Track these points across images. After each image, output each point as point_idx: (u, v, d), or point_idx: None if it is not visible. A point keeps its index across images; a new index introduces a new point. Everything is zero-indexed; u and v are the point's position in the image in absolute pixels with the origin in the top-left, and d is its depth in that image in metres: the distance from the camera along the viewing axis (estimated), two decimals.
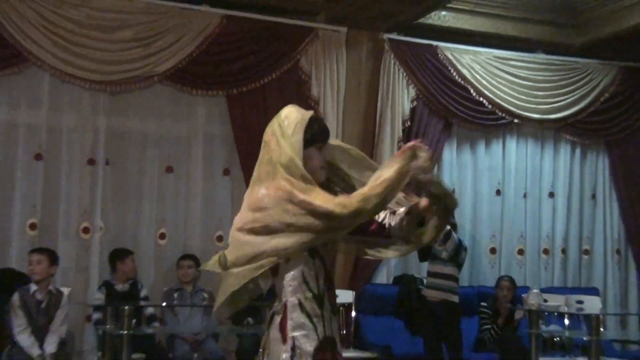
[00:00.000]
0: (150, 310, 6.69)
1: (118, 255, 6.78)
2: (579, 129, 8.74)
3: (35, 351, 5.73)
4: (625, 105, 8.82)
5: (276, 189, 2.88)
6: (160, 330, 6.76)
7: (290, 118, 3.00)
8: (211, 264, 3.05)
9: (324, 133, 3.08)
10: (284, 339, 2.92)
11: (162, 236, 7.33)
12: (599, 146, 8.96)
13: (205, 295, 6.97)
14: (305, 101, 7.57)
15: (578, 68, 8.68)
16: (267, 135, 3.01)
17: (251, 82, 7.44)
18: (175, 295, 6.86)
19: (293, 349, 2.90)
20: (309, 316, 2.92)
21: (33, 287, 5.98)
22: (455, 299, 6.72)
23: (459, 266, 6.84)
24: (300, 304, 2.92)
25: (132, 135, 7.33)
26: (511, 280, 7.67)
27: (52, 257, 6.12)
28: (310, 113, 3.07)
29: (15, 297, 5.89)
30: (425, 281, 6.98)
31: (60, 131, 7.04)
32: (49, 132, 6.99)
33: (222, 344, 7.00)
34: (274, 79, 7.52)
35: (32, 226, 6.86)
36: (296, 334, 2.91)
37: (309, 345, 2.90)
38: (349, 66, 7.84)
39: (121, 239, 7.15)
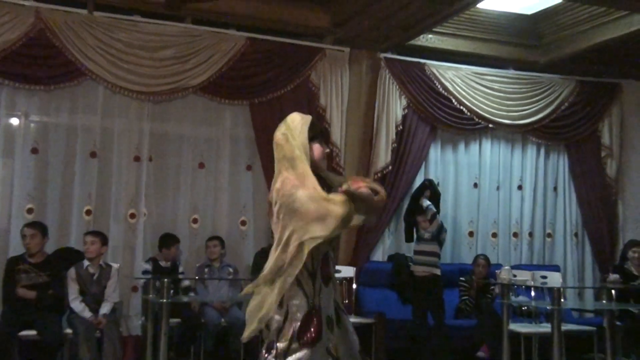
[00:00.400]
0: (185, 282, 6.68)
1: (166, 242, 6.76)
2: (543, 133, 8.68)
3: (86, 314, 5.72)
4: (582, 113, 8.76)
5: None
6: (193, 299, 6.74)
7: (295, 121, 3.16)
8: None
9: (323, 131, 3.33)
10: (281, 304, 2.99)
11: (195, 221, 7.30)
12: (559, 147, 8.88)
13: (231, 269, 6.95)
14: (314, 109, 7.55)
15: (542, 82, 8.62)
16: (277, 137, 3.15)
17: (270, 92, 7.41)
18: (206, 270, 6.85)
19: (287, 313, 2.98)
20: (303, 290, 2.99)
21: (86, 262, 5.97)
22: (438, 272, 6.76)
23: (440, 244, 6.89)
24: (297, 280, 2.98)
25: (171, 137, 7.30)
26: (486, 259, 7.63)
27: (103, 239, 6.12)
28: (310, 116, 3.22)
29: (71, 271, 5.90)
30: (412, 258, 6.97)
31: (112, 133, 7.02)
32: (102, 134, 6.97)
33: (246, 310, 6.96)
34: (288, 91, 7.48)
35: (88, 212, 6.84)
36: (290, 302, 2.98)
37: (299, 314, 2.97)
38: (351, 80, 7.80)
39: (161, 223, 7.13)
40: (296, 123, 3.15)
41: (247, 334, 3.03)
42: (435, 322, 6.76)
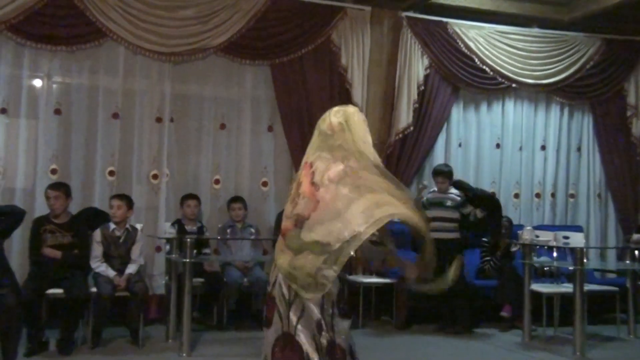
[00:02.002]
0: (206, 250, 6.78)
1: (183, 199, 6.84)
2: (567, 92, 8.59)
3: (110, 273, 5.80)
4: (607, 72, 8.64)
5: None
6: (215, 259, 6.81)
7: (355, 117, 3.13)
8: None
9: None
10: None
11: (217, 181, 7.35)
12: (584, 106, 8.79)
13: (253, 230, 7.00)
14: (335, 70, 7.54)
15: (567, 40, 8.49)
16: (332, 124, 3.10)
17: (291, 53, 7.38)
18: (228, 230, 6.90)
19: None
20: None
21: (112, 225, 6.03)
22: (456, 235, 6.78)
23: (461, 214, 6.91)
24: None
25: (192, 98, 7.31)
26: (509, 220, 7.62)
27: (130, 203, 6.17)
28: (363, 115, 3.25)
29: (97, 233, 5.96)
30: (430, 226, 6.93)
31: (133, 94, 7.05)
32: (123, 95, 7.00)
33: (267, 271, 7.04)
34: (309, 51, 7.44)
35: (111, 173, 6.92)
36: None
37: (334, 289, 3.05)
38: (373, 40, 7.74)
39: (184, 183, 7.19)
40: (355, 120, 3.13)
41: (311, 295, 2.97)
42: (455, 282, 6.78)
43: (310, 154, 3.12)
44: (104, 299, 5.57)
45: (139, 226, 6.30)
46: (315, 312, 2.99)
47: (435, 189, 7.05)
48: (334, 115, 3.12)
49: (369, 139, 3.11)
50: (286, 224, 3.07)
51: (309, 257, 2.89)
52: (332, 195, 2.93)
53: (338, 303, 3.07)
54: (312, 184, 3.00)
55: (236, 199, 7.06)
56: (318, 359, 2.97)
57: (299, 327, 2.99)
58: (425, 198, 7.01)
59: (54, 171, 6.72)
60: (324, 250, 2.86)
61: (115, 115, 6.95)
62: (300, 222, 2.97)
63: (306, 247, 2.93)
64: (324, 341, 2.99)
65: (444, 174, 6.98)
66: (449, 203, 6.87)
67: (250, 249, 7.08)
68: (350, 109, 3.18)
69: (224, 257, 6.90)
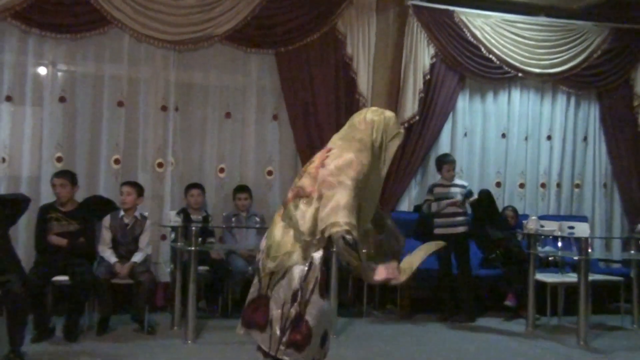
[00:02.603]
0: (211, 239, 6.83)
1: (187, 188, 6.89)
2: (574, 82, 8.59)
3: (112, 259, 5.87)
4: (615, 61, 8.63)
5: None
6: (221, 248, 6.86)
7: (390, 122, 3.27)
8: None
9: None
10: (305, 256, 3.13)
11: (222, 170, 7.40)
12: (590, 96, 8.79)
13: (257, 219, 7.04)
14: (341, 59, 7.56)
15: (575, 29, 8.47)
16: (365, 119, 3.24)
17: (296, 41, 7.40)
18: (233, 219, 6.95)
19: (310, 264, 3.11)
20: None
21: (121, 212, 6.10)
22: (462, 229, 6.81)
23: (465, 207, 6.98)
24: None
25: (197, 86, 7.35)
26: (514, 210, 7.67)
27: (140, 190, 6.23)
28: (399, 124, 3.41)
29: (106, 219, 6.03)
30: (435, 221, 6.94)
31: (138, 82, 7.09)
32: (128, 83, 7.05)
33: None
34: (315, 39, 7.46)
35: (116, 161, 6.98)
36: (315, 254, 3.13)
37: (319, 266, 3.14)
38: (378, 28, 7.75)
39: (188, 172, 7.24)
40: (391, 124, 3.26)
41: (272, 265, 3.12)
42: (460, 271, 6.85)
43: (333, 141, 3.25)
44: (101, 283, 5.63)
45: (145, 214, 6.35)
46: (296, 281, 3.07)
47: (438, 182, 7.09)
48: (372, 113, 3.27)
49: (393, 147, 3.22)
50: (289, 194, 3.23)
51: (289, 236, 3.09)
52: (330, 180, 3.03)
53: (320, 284, 3.12)
54: (322, 165, 3.10)
55: (242, 188, 7.09)
56: (279, 328, 3.06)
57: (274, 292, 3.10)
58: (433, 193, 7.03)
59: (59, 159, 6.78)
60: (299, 237, 3.06)
61: (120, 104, 7.00)
62: (299, 195, 3.12)
63: (292, 225, 3.09)
64: (292, 312, 3.06)
65: (451, 162, 7.01)
66: (455, 196, 6.89)
67: (255, 237, 7.11)
68: (389, 113, 3.30)
69: (229, 245, 6.94)
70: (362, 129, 3.20)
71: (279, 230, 3.15)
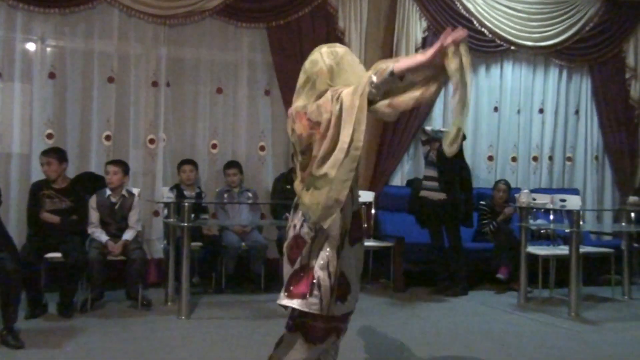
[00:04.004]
0: (204, 216, 6.82)
1: (179, 164, 6.86)
2: (566, 55, 8.57)
3: (103, 238, 5.84)
4: (607, 34, 8.61)
5: None
6: (213, 224, 6.84)
7: (346, 59, 3.09)
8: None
9: None
10: None
11: (214, 146, 7.37)
12: (583, 69, 8.78)
13: (250, 194, 7.03)
14: (333, 32, 7.51)
15: (567, 1, 8.45)
16: (322, 70, 3.03)
17: (288, 16, 7.35)
18: (225, 195, 6.94)
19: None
20: (351, 192, 3.04)
21: (108, 191, 6.05)
22: (444, 196, 6.79)
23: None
24: None
25: (188, 62, 7.29)
26: (507, 184, 7.67)
27: (126, 168, 6.17)
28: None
29: (92, 199, 5.99)
30: (422, 184, 6.96)
31: (128, 58, 7.03)
32: (118, 59, 6.99)
33: (265, 234, 7.11)
34: (307, 13, 7.42)
35: (107, 138, 6.94)
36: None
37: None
38: (370, 1, 7.70)
39: (181, 148, 7.21)
40: (349, 59, 3.10)
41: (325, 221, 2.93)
42: (450, 244, 6.86)
43: (300, 101, 3.06)
44: (92, 264, 5.62)
45: (135, 191, 6.32)
46: (338, 237, 2.98)
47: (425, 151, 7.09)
48: (327, 57, 3.03)
49: (362, 73, 2.98)
50: (303, 175, 3.04)
51: (315, 193, 2.92)
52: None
53: (350, 229, 3.05)
54: (308, 120, 2.97)
55: (231, 164, 7.07)
56: (329, 285, 2.93)
57: (316, 254, 2.97)
58: (426, 131, 7.03)
59: (49, 136, 6.73)
60: (325, 182, 2.87)
61: (111, 80, 6.94)
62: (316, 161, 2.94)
63: (313, 182, 2.94)
64: (339, 268, 2.98)
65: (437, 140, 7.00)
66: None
67: (248, 213, 7.11)
68: (340, 50, 3.09)
69: (221, 221, 6.94)
70: (323, 78, 3.00)
71: (305, 195, 2.99)
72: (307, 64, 3.07)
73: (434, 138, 6.86)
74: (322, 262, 2.96)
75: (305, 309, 2.95)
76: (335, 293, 2.97)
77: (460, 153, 6.83)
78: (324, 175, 2.86)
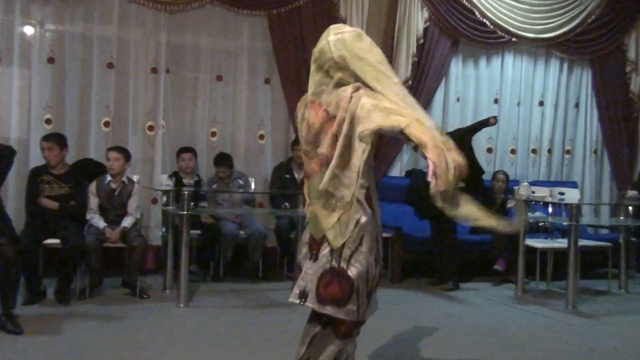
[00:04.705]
0: (203, 204, 6.81)
1: (178, 152, 6.85)
2: (567, 47, 8.58)
3: (101, 224, 5.83)
4: (608, 27, 8.62)
5: None
6: (207, 212, 6.79)
7: (356, 45, 2.86)
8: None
9: None
10: None
11: (213, 134, 7.38)
12: (583, 62, 8.80)
13: (241, 182, 7.00)
14: (334, 21, 7.43)
15: None
16: (333, 59, 2.84)
17: (289, 3, 7.33)
18: (214, 186, 6.91)
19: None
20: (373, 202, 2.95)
21: (108, 177, 6.05)
22: None
23: None
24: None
25: (188, 48, 7.27)
26: (505, 174, 7.69)
27: (127, 155, 6.14)
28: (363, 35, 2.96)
29: (92, 185, 5.98)
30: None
31: (128, 44, 7.01)
32: (118, 45, 6.97)
33: (264, 223, 7.13)
34: (308, 1, 7.39)
35: (106, 124, 6.93)
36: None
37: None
38: None
39: (180, 135, 7.21)
40: (358, 44, 2.84)
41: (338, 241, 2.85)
42: (444, 237, 6.81)
43: (311, 89, 2.91)
44: (90, 250, 5.63)
45: (135, 177, 6.32)
46: (374, 243, 2.88)
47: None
48: (334, 47, 2.81)
49: (380, 58, 2.82)
50: (311, 166, 2.93)
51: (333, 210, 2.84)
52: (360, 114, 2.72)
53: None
54: (325, 111, 2.84)
55: (220, 160, 6.95)
56: (367, 291, 2.86)
57: (353, 260, 2.83)
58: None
59: (48, 121, 6.73)
60: (328, 202, 2.83)
61: (110, 65, 6.93)
62: (325, 162, 2.84)
63: (319, 195, 2.86)
64: (377, 274, 2.90)
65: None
66: None
67: (241, 201, 7.12)
68: (348, 36, 2.84)
69: (219, 210, 6.92)
70: (335, 69, 2.83)
71: (324, 217, 2.87)
72: (315, 52, 2.89)
73: None
74: (361, 269, 2.84)
75: (342, 317, 2.86)
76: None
77: (471, 151, 6.87)
78: (341, 197, 2.81)
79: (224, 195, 7.02)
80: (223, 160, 6.97)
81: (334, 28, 2.92)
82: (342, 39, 2.83)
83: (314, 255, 2.93)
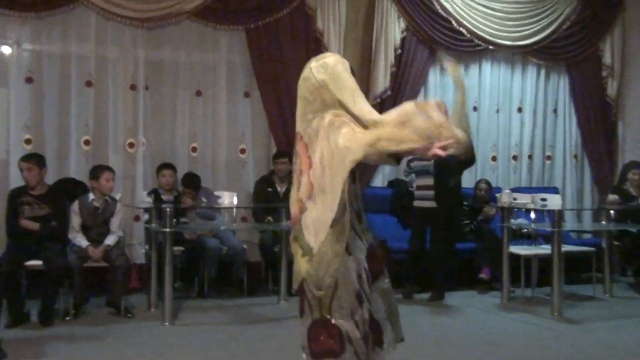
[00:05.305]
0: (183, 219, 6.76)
1: (158, 169, 6.82)
2: (543, 54, 8.66)
3: (84, 243, 5.79)
4: (583, 32, 8.73)
5: None
6: (192, 228, 6.76)
7: (338, 68, 2.87)
8: None
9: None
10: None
11: (194, 149, 7.36)
12: (560, 68, 8.88)
13: (204, 199, 6.91)
14: (311, 34, 7.54)
15: (544, 0, 8.54)
16: (314, 85, 2.84)
17: (266, 17, 7.35)
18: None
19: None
20: (357, 233, 2.88)
21: (91, 196, 6.00)
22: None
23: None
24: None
25: (167, 65, 7.26)
26: (488, 183, 7.72)
27: (114, 174, 6.15)
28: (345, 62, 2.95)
29: (75, 204, 5.94)
30: (415, 194, 6.87)
31: (106, 61, 6.99)
32: (96, 62, 6.95)
33: (247, 238, 7.12)
34: (285, 15, 7.42)
35: (86, 142, 6.90)
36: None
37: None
38: (349, 2, 7.70)
39: (160, 152, 7.19)
40: (340, 68, 2.84)
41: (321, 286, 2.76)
42: (432, 247, 6.80)
43: (298, 124, 2.88)
44: (73, 271, 5.58)
45: (117, 196, 6.30)
46: (354, 281, 2.77)
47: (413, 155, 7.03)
48: (317, 72, 2.82)
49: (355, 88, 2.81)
50: (294, 211, 2.84)
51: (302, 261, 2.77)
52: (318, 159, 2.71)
53: (369, 267, 2.85)
54: (308, 157, 2.79)
55: (187, 181, 6.86)
56: (361, 335, 2.75)
57: (334, 306, 2.74)
58: (412, 166, 6.98)
59: (28, 141, 6.68)
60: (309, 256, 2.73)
61: (89, 83, 6.91)
62: (303, 209, 2.77)
63: (303, 246, 2.77)
64: (366, 313, 2.78)
65: None
66: (431, 169, 6.72)
67: (218, 215, 7.12)
68: (330, 60, 2.86)
69: (201, 225, 6.89)
70: (316, 94, 2.80)
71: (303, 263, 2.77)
72: (300, 82, 2.88)
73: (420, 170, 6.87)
74: (344, 311, 2.73)
75: None
76: (371, 341, 2.80)
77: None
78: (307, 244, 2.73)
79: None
80: (190, 181, 6.86)
81: (315, 57, 2.93)
82: (324, 64, 2.85)
83: (300, 310, 2.88)
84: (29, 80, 6.72)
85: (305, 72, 2.88)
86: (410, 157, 7.05)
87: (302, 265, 2.76)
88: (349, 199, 2.78)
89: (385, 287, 2.97)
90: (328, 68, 2.83)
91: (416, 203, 6.76)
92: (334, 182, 2.66)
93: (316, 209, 2.71)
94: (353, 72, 2.91)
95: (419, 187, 6.82)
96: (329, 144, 2.70)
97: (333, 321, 2.74)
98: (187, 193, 6.84)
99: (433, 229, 6.77)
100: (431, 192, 6.67)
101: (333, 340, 2.72)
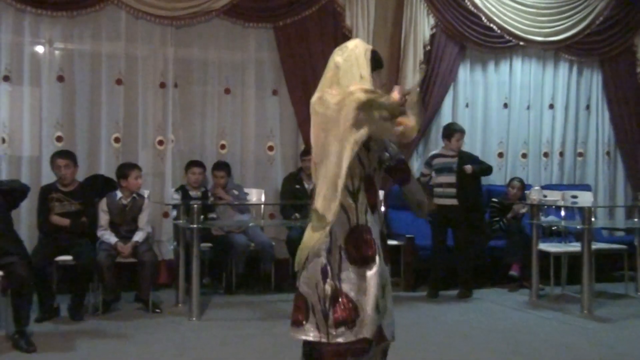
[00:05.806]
0: (211, 215, 6.83)
1: (187, 166, 6.88)
2: (576, 49, 8.55)
3: (112, 240, 5.86)
4: (617, 27, 8.58)
5: None
6: (221, 224, 6.81)
7: (355, 52, 2.91)
8: None
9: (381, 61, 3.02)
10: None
11: (223, 147, 7.40)
12: (593, 63, 8.75)
13: (236, 192, 6.98)
14: (340, 30, 7.52)
15: None
16: (333, 64, 2.95)
17: (294, 15, 7.36)
18: (211, 198, 6.87)
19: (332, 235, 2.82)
20: (343, 207, 2.82)
21: (119, 194, 6.08)
22: (456, 201, 6.70)
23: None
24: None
25: (196, 62, 7.32)
26: (521, 181, 7.62)
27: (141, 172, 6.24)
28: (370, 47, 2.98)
29: (103, 202, 6.02)
30: (434, 191, 6.80)
31: (136, 59, 7.06)
32: (126, 61, 7.02)
33: (274, 234, 7.15)
34: (313, 12, 7.43)
35: (117, 140, 6.98)
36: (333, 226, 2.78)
37: (342, 233, 2.83)
38: None
39: (189, 149, 7.25)
40: (357, 52, 2.88)
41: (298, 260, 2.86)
42: (456, 245, 6.76)
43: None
44: (102, 266, 5.65)
45: (145, 192, 6.37)
46: (322, 257, 2.81)
47: (439, 151, 7.02)
48: (337, 55, 2.92)
49: (365, 73, 2.85)
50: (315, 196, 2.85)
51: (307, 234, 2.79)
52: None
53: (346, 247, 2.83)
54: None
55: (219, 166, 6.98)
56: (321, 312, 2.78)
57: (302, 277, 2.84)
58: (433, 164, 6.95)
59: (59, 139, 6.79)
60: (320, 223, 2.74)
61: (119, 82, 6.99)
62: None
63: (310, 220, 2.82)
64: (327, 288, 2.79)
65: (461, 131, 6.91)
66: (454, 167, 6.76)
67: (243, 212, 7.14)
68: (350, 43, 2.94)
69: (228, 222, 6.93)
70: (331, 74, 2.90)
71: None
72: (325, 71, 2.96)
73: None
74: (310, 282, 2.82)
75: (303, 337, 2.82)
76: (335, 317, 2.77)
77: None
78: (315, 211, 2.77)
79: (221, 208, 7.00)
80: (221, 165, 6.99)
81: (339, 46, 2.99)
82: (344, 46, 2.94)
83: None
84: (60, 78, 6.82)
85: (329, 60, 2.97)
86: (432, 154, 7.05)
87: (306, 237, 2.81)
88: (360, 168, 2.86)
89: (368, 275, 2.83)
90: (346, 51, 2.91)
91: (436, 201, 6.70)
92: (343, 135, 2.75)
93: (324, 168, 2.75)
94: (379, 59, 2.98)
95: (440, 185, 6.78)
96: (325, 109, 2.86)
97: (300, 290, 2.87)
98: (218, 176, 6.89)
99: (455, 227, 6.72)
100: (453, 190, 6.64)
101: (299, 309, 2.85)
